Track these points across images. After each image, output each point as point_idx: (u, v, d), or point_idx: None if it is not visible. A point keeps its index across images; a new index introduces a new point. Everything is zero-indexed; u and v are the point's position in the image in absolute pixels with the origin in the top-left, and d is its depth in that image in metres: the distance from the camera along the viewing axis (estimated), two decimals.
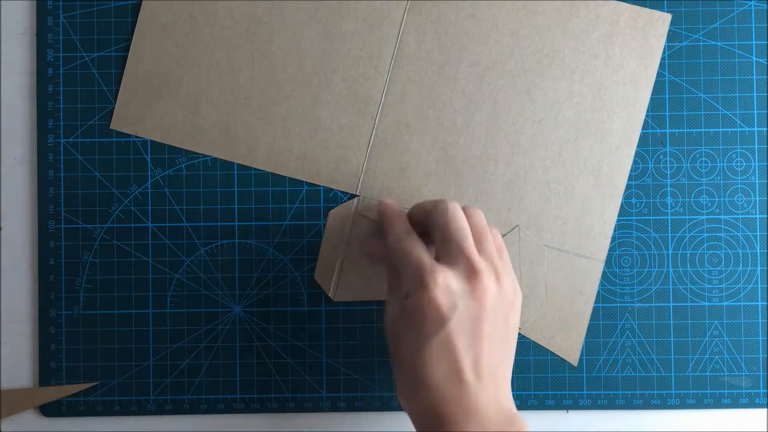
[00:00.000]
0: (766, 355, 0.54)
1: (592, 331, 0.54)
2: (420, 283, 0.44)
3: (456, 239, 0.45)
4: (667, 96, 0.55)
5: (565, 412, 0.54)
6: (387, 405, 0.55)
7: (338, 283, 0.54)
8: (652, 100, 0.54)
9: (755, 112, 0.54)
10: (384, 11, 0.55)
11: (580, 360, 0.54)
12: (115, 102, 0.55)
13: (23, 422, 0.55)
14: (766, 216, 0.54)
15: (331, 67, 0.55)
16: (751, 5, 0.55)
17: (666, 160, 0.55)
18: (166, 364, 0.54)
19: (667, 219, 0.54)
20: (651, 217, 0.54)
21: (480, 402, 0.43)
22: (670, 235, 0.54)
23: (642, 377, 0.54)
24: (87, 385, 0.54)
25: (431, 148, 0.54)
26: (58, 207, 0.55)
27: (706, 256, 0.54)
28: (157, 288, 0.55)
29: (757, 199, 0.54)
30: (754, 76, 0.54)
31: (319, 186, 0.55)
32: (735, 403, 0.54)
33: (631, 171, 0.54)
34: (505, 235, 0.54)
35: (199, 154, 0.55)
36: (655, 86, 0.54)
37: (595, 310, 0.54)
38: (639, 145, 0.54)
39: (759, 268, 0.54)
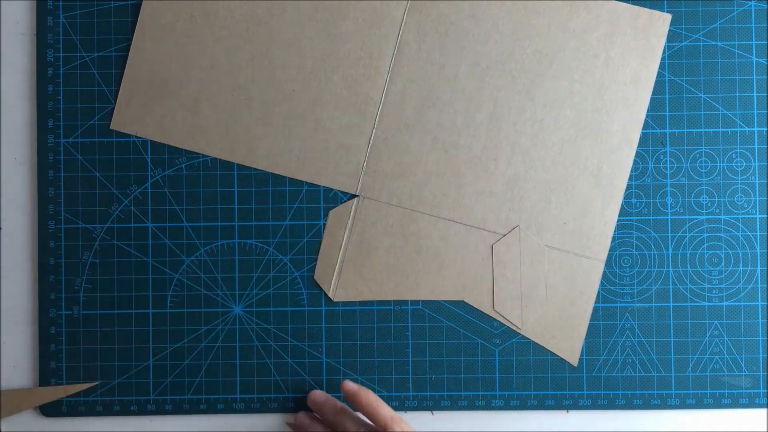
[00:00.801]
0: (766, 355, 0.54)
1: (592, 331, 0.54)
2: None
3: None
4: (667, 96, 0.55)
5: (565, 412, 0.54)
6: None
7: (338, 283, 0.54)
8: (652, 100, 0.54)
9: (755, 112, 0.54)
10: (384, 11, 0.55)
11: (580, 360, 0.54)
12: (115, 102, 0.55)
13: (23, 422, 0.54)
14: (766, 216, 0.54)
15: (331, 68, 0.55)
16: (751, 5, 0.55)
17: (666, 160, 0.55)
18: (166, 364, 0.54)
19: (667, 219, 0.54)
20: (651, 217, 0.54)
21: None
22: (670, 235, 0.54)
23: (642, 377, 0.54)
24: (87, 385, 0.54)
25: (431, 148, 0.54)
26: (58, 207, 0.55)
27: (706, 256, 0.54)
28: (157, 288, 0.54)
29: (757, 199, 0.54)
30: (754, 76, 0.54)
31: (319, 186, 0.55)
32: (735, 403, 0.54)
33: (631, 171, 0.54)
34: (505, 235, 0.54)
35: (199, 154, 0.55)
36: (655, 86, 0.54)
37: (595, 310, 0.54)
38: (639, 145, 0.54)
39: (759, 268, 0.54)
